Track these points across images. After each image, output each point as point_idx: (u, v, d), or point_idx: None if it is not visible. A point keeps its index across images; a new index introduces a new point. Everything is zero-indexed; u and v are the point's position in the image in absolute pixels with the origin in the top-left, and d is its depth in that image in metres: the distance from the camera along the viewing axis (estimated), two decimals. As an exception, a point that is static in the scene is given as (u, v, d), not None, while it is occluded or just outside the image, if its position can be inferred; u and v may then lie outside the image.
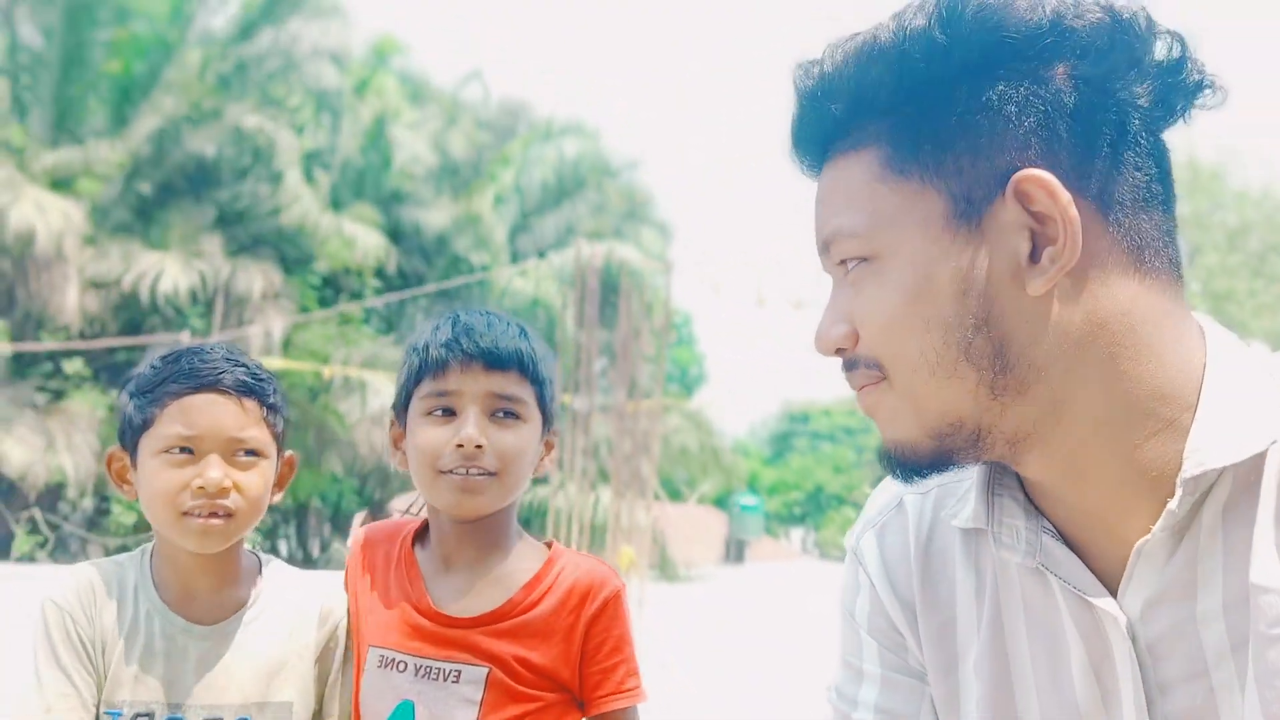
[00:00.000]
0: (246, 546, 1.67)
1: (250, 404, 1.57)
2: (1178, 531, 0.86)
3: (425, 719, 1.53)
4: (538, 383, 1.60)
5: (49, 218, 20.26)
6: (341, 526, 25.76)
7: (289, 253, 23.48)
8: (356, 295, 23.23)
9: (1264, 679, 0.81)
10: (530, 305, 23.73)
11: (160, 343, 20.08)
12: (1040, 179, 0.87)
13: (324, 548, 26.34)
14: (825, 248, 0.95)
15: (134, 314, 22.18)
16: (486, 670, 1.53)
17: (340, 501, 24.89)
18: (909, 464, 0.91)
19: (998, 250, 0.87)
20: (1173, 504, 0.84)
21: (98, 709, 1.54)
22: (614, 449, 9.02)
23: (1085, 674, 0.91)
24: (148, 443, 1.55)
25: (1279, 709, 0.81)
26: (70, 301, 21.25)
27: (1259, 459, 0.84)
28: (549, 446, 1.68)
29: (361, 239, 23.42)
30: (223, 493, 1.51)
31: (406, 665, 1.56)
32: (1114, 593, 0.88)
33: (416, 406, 1.59)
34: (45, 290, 21.23)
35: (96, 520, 21.63)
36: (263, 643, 1.60)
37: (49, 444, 19.99)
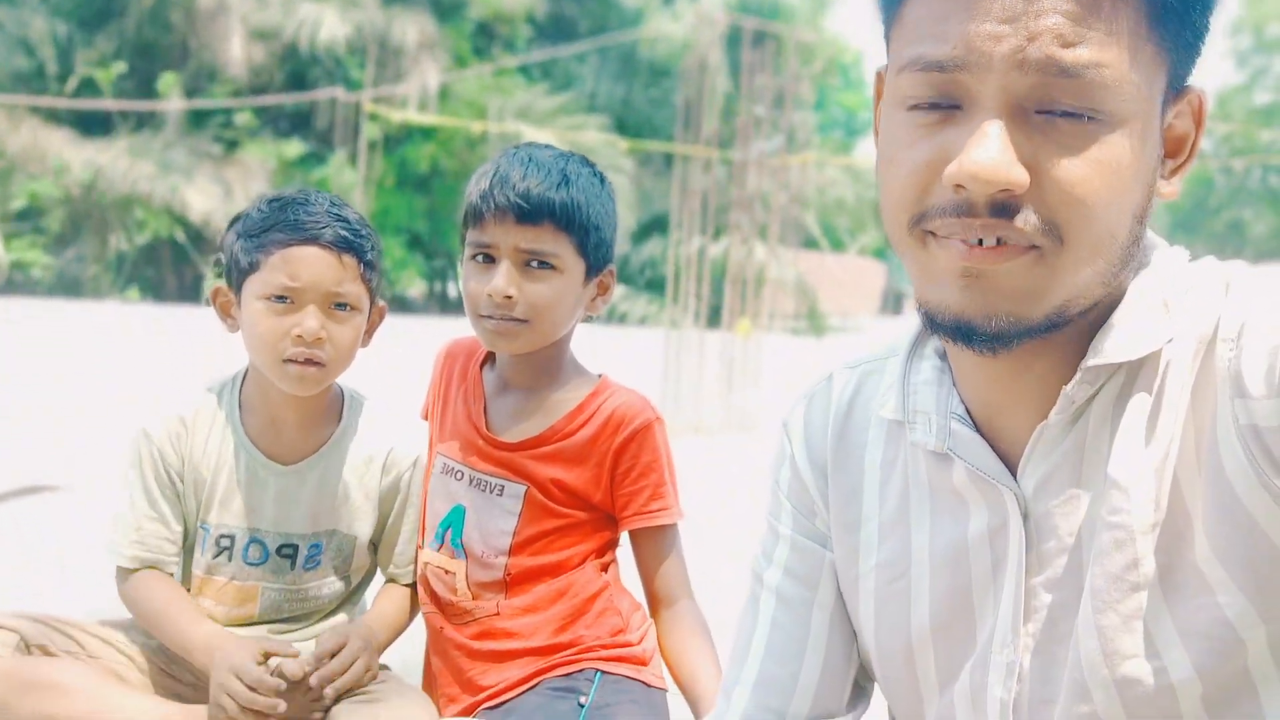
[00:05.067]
0: (339, 384, 1.82)
1: (349, 259, 1.68)
2: (1073, 417, 0.90)
3: (474, 522, 1.72)
4: (579, 229, 1.63)
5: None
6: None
7: (442, 0, 23.26)
8: (509, 45, 22.97)
9: (1096, 559, 0.88)
10: (680, 51, 23.07)
11: (321, 98, 20.68)
12: (1205, 105, 0.89)
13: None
14: (1059, 71, 0.78)
15: (296, 65, 22.63)
16: (525, 488, 1.70)
17: (501, 249, 25.60)
18: (1000, 336, 0.84)
19: (1159, 145, 0.87)
20: (1068, 388, 0.88)
21: (186, 527, 1.78)
22: (769, 203, 8.94)
23: (981, 543, 0.97)
24: (251, 285, 1.67)
25: (1101, 584, 0.87)
26: (236, 53, 21.78)
27: (1153, 358, 0.87)
28: (602, 287, 1.73)
29: (513, -16, 22.95)
30: (318, 343, 1.65)
31: (463, 474, 1.75)
32: (1014, 472, 0.94)
33: (466, 249, 1.69)
34: (214, 42, 21.77)
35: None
36: (333, 482, 1.79)
37: (227, 192, 21.09)
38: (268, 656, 1.62)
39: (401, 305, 24.81)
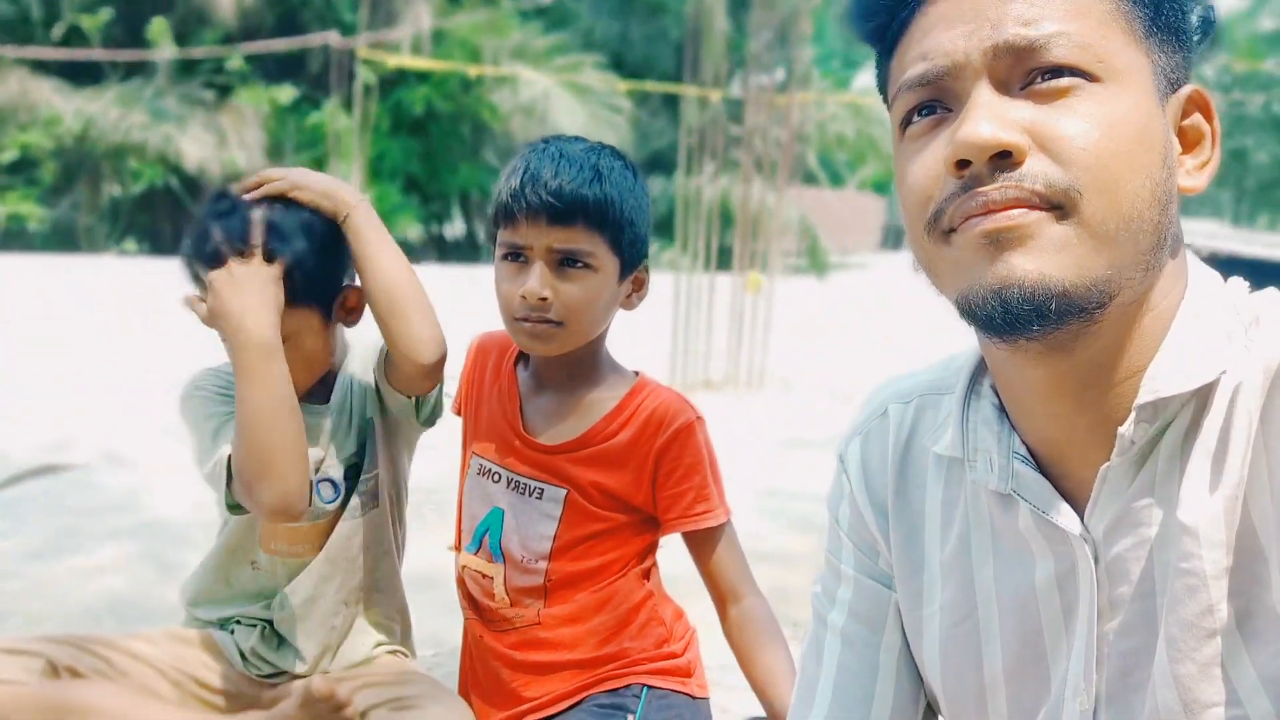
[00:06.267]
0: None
1: None
2: (1139, 458, 0.87)
3: (512, 526, 1.67)
4: (613, 227, 1.57)
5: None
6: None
7: (433, -61, 22.85)
8: (503, -18, 22.61)
9: (1170, 607, 0.85)
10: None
11: (314, 43, 20.40)
12: (1209, 98, 0.88)
13: (491, 237, 27.22)
14: (1027, 48, 0.81)
15: (287, 8, 22.28)
16: (565, 492, 1.64)
17: (499, 192, 25.46)
18: (1042, 309, 0.79)
19: (1171, 138, 0.86)
20: (1124, 429, 0.84)
21: None
22: (766, 140, 8.81)
23: (1049, 588, 0.94)
24: None
25: (1176, 632, 0.84)
26: (225, -4, 21.41)
27: (1222, 392, 0.83)
28: (638, 283, 1.67)
29: (505, -83, 22.52)
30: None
31: (500, 477, 1.69)
32: (1081, 515, 0.90)
33: (497, 249, 1.62)
34: (201, -16, 21.39)
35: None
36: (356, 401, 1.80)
37: (221, 140, 20.86)
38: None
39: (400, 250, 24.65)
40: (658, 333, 6.97)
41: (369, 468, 1.79)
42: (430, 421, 1.80)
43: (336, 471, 1.76)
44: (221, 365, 1.72)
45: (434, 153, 24.56)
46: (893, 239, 40.95)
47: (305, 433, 1.63)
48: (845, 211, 33.08)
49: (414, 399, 1.76)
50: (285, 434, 1.55)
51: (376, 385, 1.78)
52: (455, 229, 28.63)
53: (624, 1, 25.73)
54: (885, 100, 0.94)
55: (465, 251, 26.29)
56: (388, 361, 1.73)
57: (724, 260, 8.46)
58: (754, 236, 8.53)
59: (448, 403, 1.81)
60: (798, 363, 8.81)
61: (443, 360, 1.67)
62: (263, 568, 1.78)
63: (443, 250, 26.65)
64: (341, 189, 1.68)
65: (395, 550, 1.86)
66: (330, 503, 1.76)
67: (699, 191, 8.30)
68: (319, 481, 1.75)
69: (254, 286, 1.57)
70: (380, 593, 1.83)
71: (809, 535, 3.64)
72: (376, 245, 1.66)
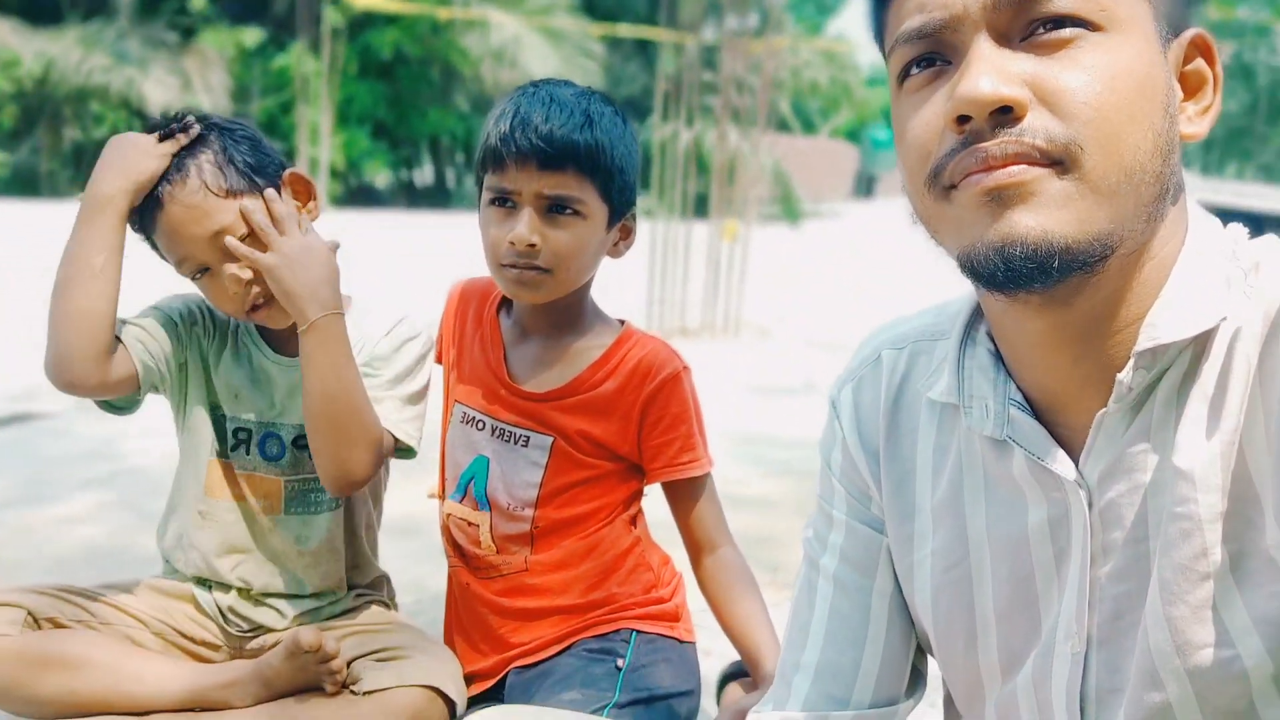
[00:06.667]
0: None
1: None
2: (1135, 404, 0.87)
3: (498, 474, 1.67)
4: (603, 173, 1.55)
5: None
6: (473, 159, 26.30)
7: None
8: (473, -77, 22.19)
9: (1163, 550, 0.86)
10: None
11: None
12: (1211, 41, 0.87)
13: (459, 180, 27.06)
14: None
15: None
16: (551, 439, 1.64)
17: (470, 137, 25.17)
18: (1045, 263, 0.79)
19: (1169, 75, 0.84)
20: (1123, 375, 0.84)
21: (194, 407, 1.74)
22: (741, 88, 8.74)
23: (1041, 532, 0.94)
24: None
25: (1170, 575, 0.85)
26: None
27: (1219, 339, 0.84)
28: (625, 231, 1.66)
29: None
30: None
31: (485, 424, 1.68)
32: (1076, 461, 0.90)
33: (484, 193, 1.59)
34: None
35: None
36: None
37: (185, 83, 20.48)
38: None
39: (369, 197, 24.40)
40: (634, 281, 6.95)
41: None
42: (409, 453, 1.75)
43: (287, 433, 1.73)
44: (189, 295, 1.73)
45: (403, 97, 24.23)
46: (864, 187, 40.87)
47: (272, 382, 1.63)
48: (818, 159, 33.00)
49: None
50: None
51: None
52: (424, 175, 28.38)
53: (597, -57, 25.34)
54: (880, 47, 0.92)
55: (435, 197, 26.07)
56: None
57: (700, 208, 8.43)
58: (729, 184, 8.49)
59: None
60: (773, 310, 8.82)
61: (367, 480, 1.62)
62: (214, 518, 1.74)
63: (412, 196, 26.42)
64: (314, 300, 1.57)
65: (376, 525, 1.86)
66: (272, 461, 1.73)
67: (674, 138, 8.24)
68: (265, 435, 1.73)
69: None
70: (357, 569, 1.82)
71: (787, 480, 3.66)
72: (328, 360, 1.58)
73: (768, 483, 3.64)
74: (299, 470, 1.73)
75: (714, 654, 1.92)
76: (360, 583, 1.82)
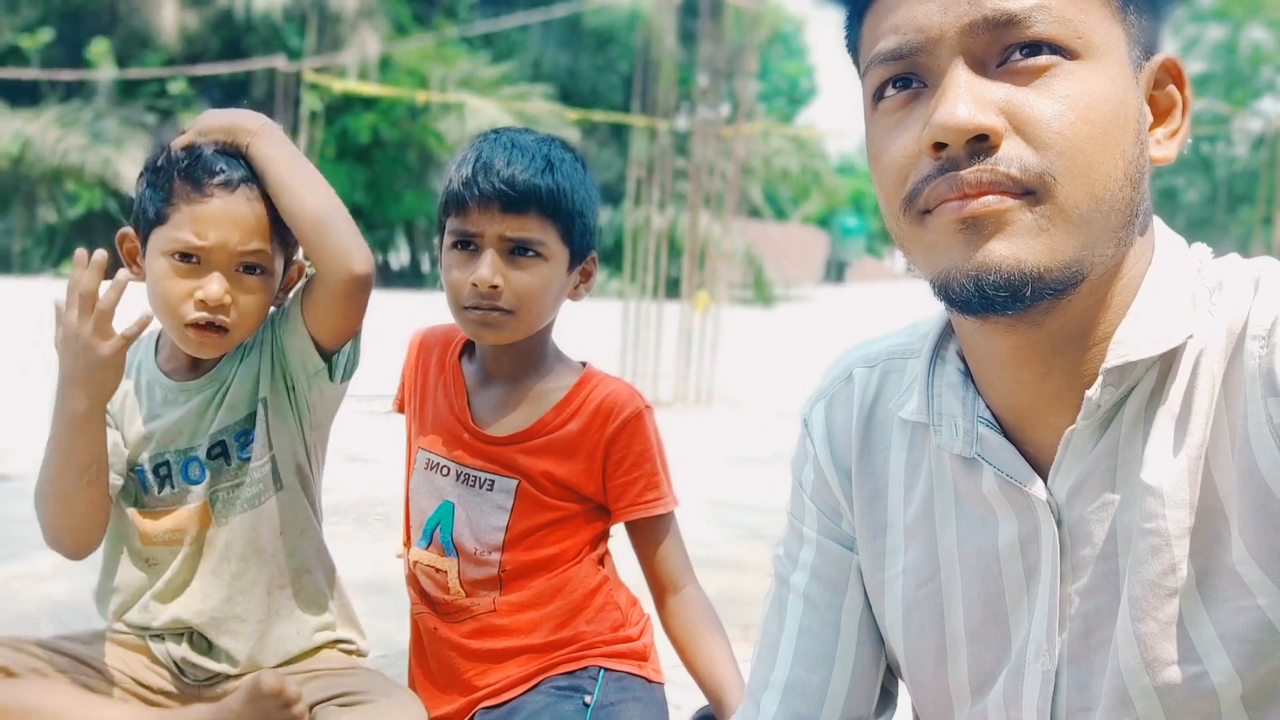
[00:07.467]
0: None
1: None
2: (1104, 421, 0.88)
3: (464, 519, 1.66)
4: (565, 216, 1.58)
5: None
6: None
7: (381, -35, 22.86)
8: (451, 12, 22.66)
9: (1133, 567, 0.86)
10: (628, 21, 22.92)
11: (260, 67, 20.29)
12: (1181, 66, 0.89)
13: (434, 262, 27.09)
14: (1006, 22, 0.80)
15: (232, 32, 22.12)
16: (516, 482, 1.64)
17: (445, 220, 25.38)
18: (1017, 291, 0.80)
19: (1140, 101, 0.85)
20: (1091, 392, 0.85)
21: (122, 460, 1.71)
22: (713, 172, 8.90)
23: (1012, 549, 0.94)
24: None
25: (1139, 592, 0.86)
26: (169, 19, 21.24)
27: (1184, 357, 0.85)
28: (585, 274, 1.69)
29: (454, -51, 22.60)
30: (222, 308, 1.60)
31: (449, 470, 1.68)
32: (1045, 478, 0.91)
33: (446, 238, 1.62)
34: (145, 8, 21.20)
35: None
36: (240, 379, 1.71)
37: (162, 164, 20.58)
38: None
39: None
40: (607, 354, 6.99)
41: (260, 453, 1.70)
42: (348, 374, 1.72)
43: (203, 449, 1.69)
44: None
45: (379, 180, 24.44)
46: (835, 272, 41.37)
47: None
48: (790, 245, 33.46)
49: (330, 357, 1.69)
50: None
51: (282, 349, 1.71)
52: (400, 258, 28.52)
53: (572, 32, 25.89)
54: (855, 64, 0.93)
55: (410, 279, 26.14)
56: (312, 295, 1.65)
57: (672, 290, 8.52)
58: (701, 266, 8.60)
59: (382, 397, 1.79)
60: (745, 383, 8.87)
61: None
62: (158, 562, 1.71)
63: (388, 278, 26.41)
64: (239, 117, 1.65)
65: (316, 527, 1.79)
66: (196, 484, 1.69)
67: (647, 221, 8.36)
68: (186, 461, 1.70)
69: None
70: (307, 573, 1.76)
71: (757, 543, 3.68)
72: (288, 167, 1.62)
73: (738, 545, 3.65)
74: (219, 480, 1.69)
75: (685, 708, 1.90)
76: (310, 587, 1.76)
